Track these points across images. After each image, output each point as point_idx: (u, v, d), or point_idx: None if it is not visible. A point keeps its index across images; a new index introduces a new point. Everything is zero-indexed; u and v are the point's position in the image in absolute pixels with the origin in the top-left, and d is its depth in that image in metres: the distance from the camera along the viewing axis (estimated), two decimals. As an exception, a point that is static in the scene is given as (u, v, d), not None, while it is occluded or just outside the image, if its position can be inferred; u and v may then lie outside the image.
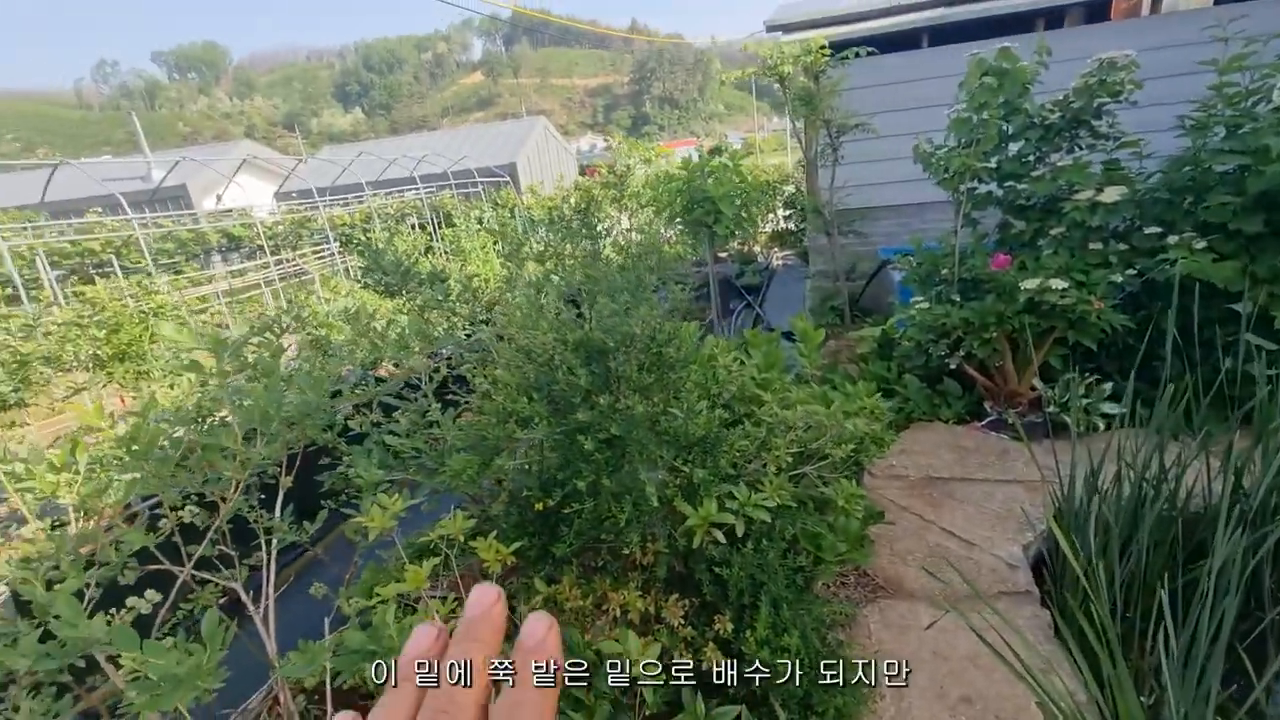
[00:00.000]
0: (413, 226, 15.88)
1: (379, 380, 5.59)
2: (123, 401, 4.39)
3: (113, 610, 1.76)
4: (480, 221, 9.68)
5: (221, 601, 2.37)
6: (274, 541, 2.45)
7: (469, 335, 4.49)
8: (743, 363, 3.06)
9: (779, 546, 2.16)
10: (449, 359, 3.87)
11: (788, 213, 11.70)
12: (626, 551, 1.89)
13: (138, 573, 2.11)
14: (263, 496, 2.50)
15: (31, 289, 9.26)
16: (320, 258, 14.40)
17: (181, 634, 2.05)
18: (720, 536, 1.96)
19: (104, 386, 4.12)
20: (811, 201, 6.29)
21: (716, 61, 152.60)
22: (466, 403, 3.41)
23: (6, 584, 1.84)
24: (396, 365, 5.76)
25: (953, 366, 4.05)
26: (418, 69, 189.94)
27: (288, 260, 13.62)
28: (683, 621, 1.97)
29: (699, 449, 2.03)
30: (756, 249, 11.57)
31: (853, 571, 2.95)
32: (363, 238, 14.04)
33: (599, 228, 4.98)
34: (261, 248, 12.92)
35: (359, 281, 13.53)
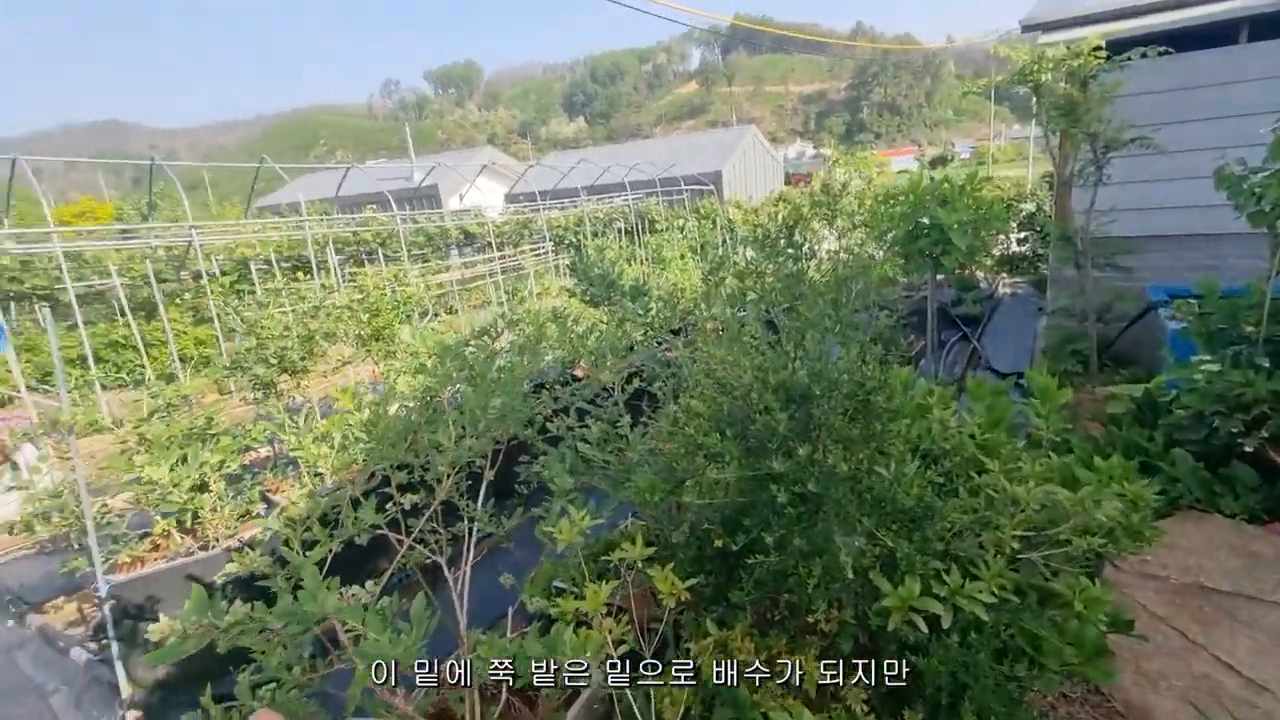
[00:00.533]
0: (619, 231, 16.77)
1: (575, 379, 5.92)
2: (374, 375, 5.17)
3: (341, 557, 2.05)
4: (682, 230, 9.89)
5: (425, 562, 2.65)
6: (474, 528, 2.70)
7: (661, 343, 4.57)
8: (959, 414, 2.69)
9: (991, 646, 1.84)
10: (640, 370, 3.96)
11: (1023, 235, 10.27)
12: (811, 619, 1.73)
13: (369, 535, 2.42)
14: (469, 482, 2.74)
15: (321, 269, 11.41)
16: (536, 255, 15.82)
17: (396, 595, 2.33)
18: (920, 623, 1.72)
19: (362, 361, 4.88)
20: (1060, 226, 5.41)
21: (950, 64, 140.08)
22: (651, 417, 3.45)
23: (275, 532, 2.21)
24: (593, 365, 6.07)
25: (1248, 449, 3.20)
26: (637, 80, 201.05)
27: (509, 256, 15.16)
28: (865, 708, 1.76)
29: (905, 519, 1.80)
30: (979, 274, 10.33)
31: (1081, 684, 2.45)
32: (574, 239, 15.14)
33: (804, 247, 4.76)
34: (490, 244, 14.54)
35: (567, 283, 14.61)
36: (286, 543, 1.72)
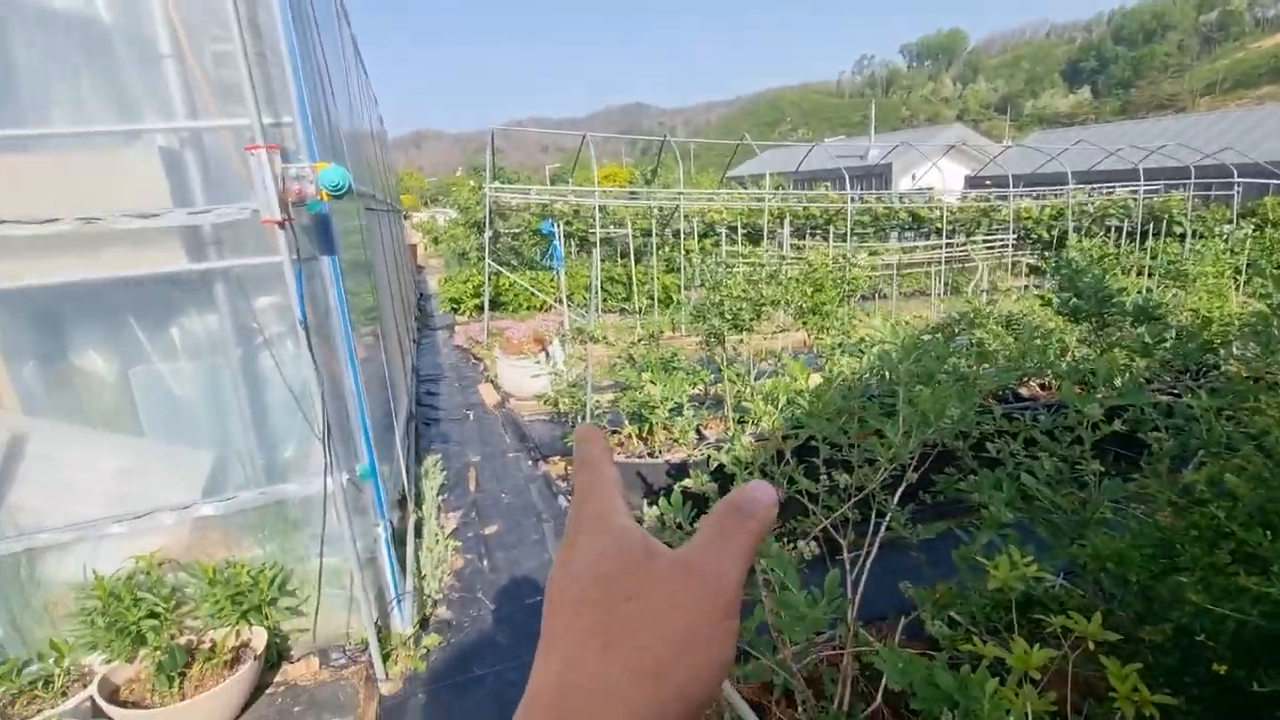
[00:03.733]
0: (1109, 230, 13.50)
1: (1018, 397, 5.14)
2: (805, 343, 5.45)
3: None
4: (1225, 239, 7.21)
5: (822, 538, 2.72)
6: (882, 523, 2.64)
7: (1175, 383, 3.53)
8: None
9: None
10: (1124, 409, 3.16)
11: None
12: None
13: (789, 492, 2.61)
14: (888, 477, 2.68)
15: (770, 239, 12.44)
16: (990, 248, 14.03)
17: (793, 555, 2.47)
18: None
19: (797, 331, 5.19)
20: None
21: None
22: (1134, 474, 2.74)
23: (734, 466, 2.56)
24: (1044, 387, 5.17)
25: None
26: (1187, 35, 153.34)
27: (957, 245, 13.83)
28: None
29: None
30: None
31: None
32: (1047, 235, 12.85)
33: None
34: (938, 230, 13.49)
35: (1024, 283, 12.61)
36: (731, 477, 1.98)
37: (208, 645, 2.85)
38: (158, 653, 2.65)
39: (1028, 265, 13.54)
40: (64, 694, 2.65)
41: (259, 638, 2.95)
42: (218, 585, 2.89)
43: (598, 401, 4.68)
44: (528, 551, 4.40)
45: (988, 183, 16.01)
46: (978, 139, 30.82)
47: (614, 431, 4.72)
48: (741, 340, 4.93)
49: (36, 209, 2.61)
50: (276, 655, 3.15)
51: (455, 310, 13.42)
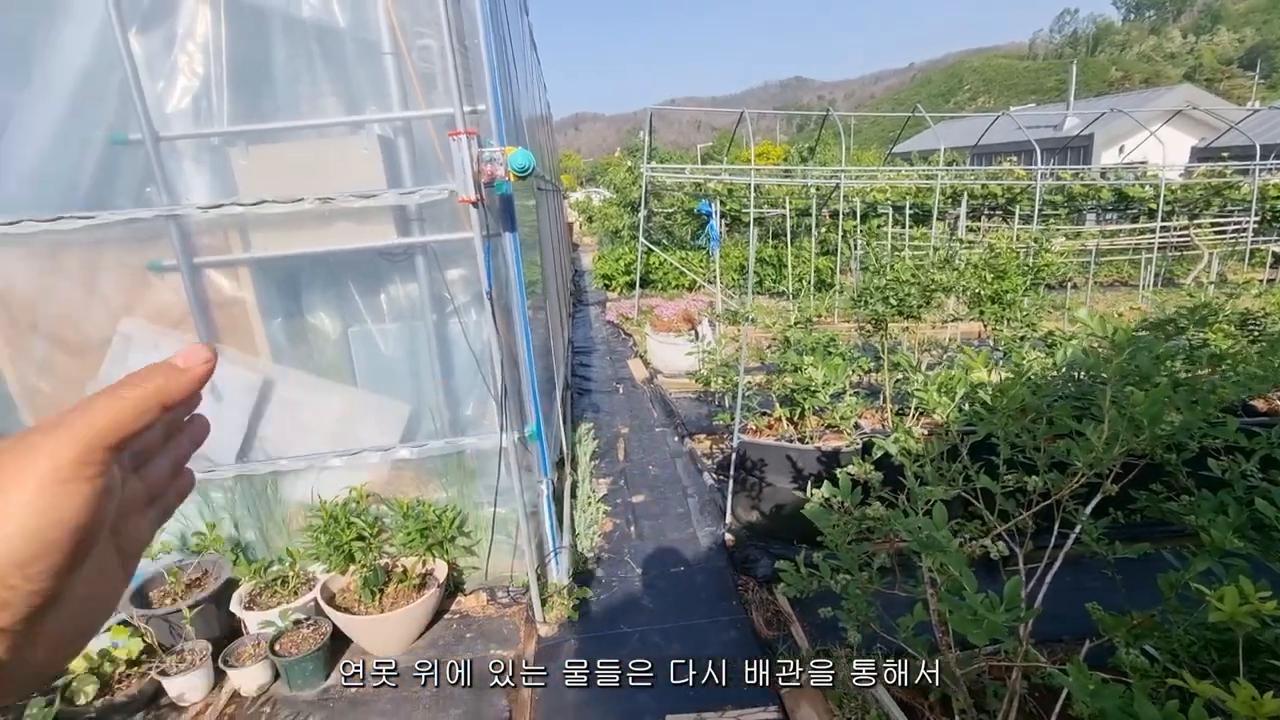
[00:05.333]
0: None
1: (1250, 410, 4.37)
2: (980, 333, 5.00)
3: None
4: None
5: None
6: (1070, 536, 2.39)
7: None
8: None
9: None
10: None
11: None
12: None
13: (953, 492, 2.45)
14: (1084, 487, 2.41)
15: (941, 220, 11.44)
16: (1220, 232, 11.81)
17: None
18: None
19: (971, 320, 4.78)
20: None
21: None
22: None
23: (895, 460, 2.45)
24: (1289, 402, 4.32)
25: None
26: None
27: (1175, 229, 11.81)
28: None
29: None
30: None
31: None
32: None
33: None
34: (1151, 211, 11.59)
35: (1273, 274, 10.53)
36: (900, 470, 1.90)
37: (400, 569, 3.29)
38: (364, 569, 3.12)
39: (1274, 254, 11.22)
40: (295, 593, 3.21)
41: (441, 569, 3.35)
42: (410, 519, 3.32)
43: (748, 383, 4.66)
44: (672, 523, 4.54)
45: (1224, 155, 13.36)
46: (1213, 102, 25.80)
47: (764, 414, 4.68)
48: (905, 329, 4.64)
49: (288, 190, 3.11)
50: (453, 586, 3.56)
51: (607, 287, 13.92)
